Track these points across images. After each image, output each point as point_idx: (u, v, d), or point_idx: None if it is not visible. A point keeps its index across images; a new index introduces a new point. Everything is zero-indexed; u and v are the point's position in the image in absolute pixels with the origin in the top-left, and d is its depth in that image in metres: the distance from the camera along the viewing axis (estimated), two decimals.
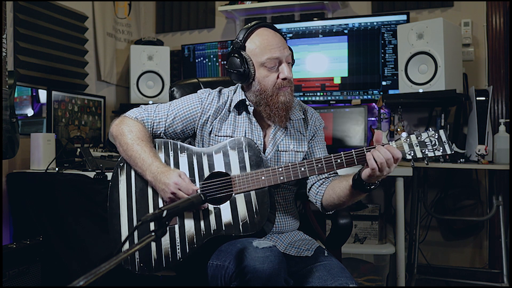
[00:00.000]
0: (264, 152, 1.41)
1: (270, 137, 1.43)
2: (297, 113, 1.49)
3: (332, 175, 1.46)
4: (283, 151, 1.43)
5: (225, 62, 3.17)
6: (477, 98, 2.38)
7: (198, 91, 1.50)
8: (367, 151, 1.20)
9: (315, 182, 1.45)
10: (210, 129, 1.43)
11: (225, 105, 1.45)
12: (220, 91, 1.49)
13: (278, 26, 3.05)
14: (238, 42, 1.37)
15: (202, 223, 1.27)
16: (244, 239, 1.22)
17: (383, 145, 1.19)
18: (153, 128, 1.44)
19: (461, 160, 2.36)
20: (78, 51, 2.88)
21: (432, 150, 1.21)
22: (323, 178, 1.45)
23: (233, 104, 1.43)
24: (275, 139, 1.43)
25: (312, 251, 1.36)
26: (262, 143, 1.42)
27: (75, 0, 2.85)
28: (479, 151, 2.26)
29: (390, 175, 2.22)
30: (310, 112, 1.54)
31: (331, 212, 1.46)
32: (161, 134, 1.45)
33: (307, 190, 1.48)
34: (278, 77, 1.36)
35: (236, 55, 1.36)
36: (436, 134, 1.21)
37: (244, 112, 1.44)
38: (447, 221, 2.80)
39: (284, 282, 1.13)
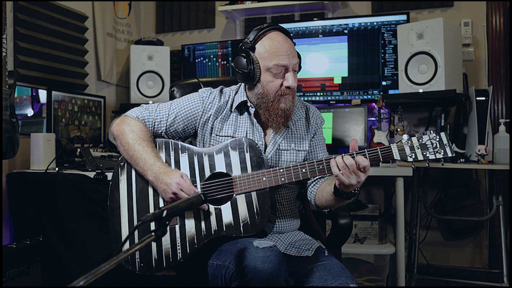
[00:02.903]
0: (264, 151, 1.41)
1: (271, 137, 1.43)
2: (299, 112, 1.49)
3: (327, 175, 1.46)
4: (284, 150, 1.43)
5: (225, 62, 3.17)
6: (477, 98, 2.38)
7: (199, 90, 1.49)
8: (351, 156, 1.20)
9: (311, 182, 1.47)
10: (211, 129, 1.43)
11: (226, 104, 1.45)
12: (221, 91, 1.49)
13: None
14: (248, 43, 1.36)
15: (203, 223, 1.27)
16: (245, 239, 1.22)
17: (354, 154, 1.20)
18: (154, 128, 1.44)
19: (461, 160, 2.36)
20: (78, 51, 2.88)
21: (433, 153, 1.21)
22: (317, 178, 1.45)
23: (234, 105, 1.43)
24: (276, 138, 1.43)
25: (313, 251, 1.36)
26: (263, 143, 1.42)
27: (75, 0, 2.85)
28: (479, 151, 2.26)
29: (390, 175, 2.24)
30: (312, 110, 1.54)
31: (326, 211, 1.49)
32: (162, 133, 1.45)
33: (306, 187, 1.51)
34: (282, 84, 1.35)
35: (244, 55, 1.35)
36: (438, 137, 1.21)
37: (245, 113, 1.44)
38: (447, 221, 2.80)
39: (285, 282, 1.13)
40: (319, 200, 1.42)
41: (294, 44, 1.41)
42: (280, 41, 1.34)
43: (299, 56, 1.40)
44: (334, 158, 1.21)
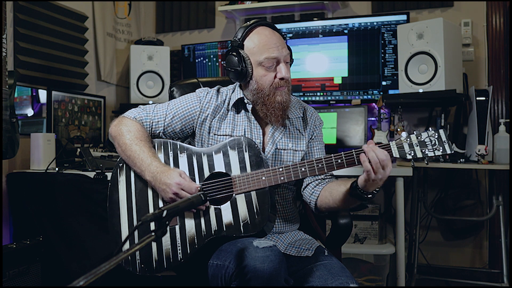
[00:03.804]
0: (263, 151, 1.41)
1: (269, 136, 1.43)
2: (296, 111, 1.48)
3: (328, 177, 1.45)
4: (282, 149, 1.43)
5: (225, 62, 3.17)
6: (477, 98, 2.38)
7: (197, 90, 1.49)
8: (363, 152, 1.19)
9: (311, 182, 1.45)
10: (209, 128, 1.43)
11: (223, 103, 1.45)
12: (218, 90, 1.49)
13: (278, 26, 3.05)
14: (237, 41, 1.37)
15: (203, 223, 1.27)
16: (245, 238, 1.22)
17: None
18: (151, 128, 1.44)
19: (461, 160, 2.36)
20: (78, 51, 2.88)
21: (432, 150, 1.21)
22: (319, 179, 1.44)
23: (231, 103, 1.43)
24: (274, 137, 1.43)
25: (313, 251, 1.36)
26: (262, 141, 1.42)
27: (75, 0, 2.85)
28: (479, 151, 2.26)
29: (390, 175, 2.24)
30: (310, 111, 1.53)
31: (323, 214, 1.46)
32: (160, 133, 1.45)
33: (302, 189, 1.48)
34: (275, 76, 1.35)
35: (234, 53, 1.36)
36: (436, 134, 1.21)
37: (243, 111, 1.44)
38: (447, 221, 2.80)
39: (284, 281, 1.13)
40: (324, 200, 1.39)
41: (284, 38, 1.41)
42: (267, 35, 1.36)
43: (289, 49, 1.40)
44: (365, 153, 1.18)
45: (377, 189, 1.23)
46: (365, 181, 1.19)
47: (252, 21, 1.39)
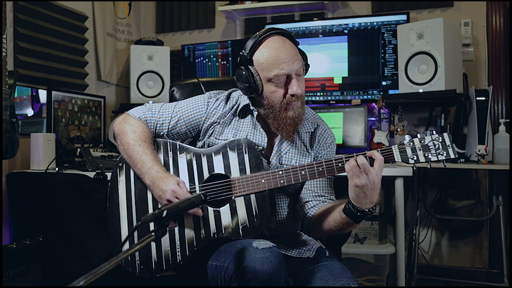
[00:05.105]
0: (268, 163, 1.37)
1: (275, 149, 1.38)
2: (308, 126, 1.43)
3: (327, 200, 1.39)
4: (285, 165, 1.38)
5: (225, 62, 3.17)
6: (477, 98, 2.38)
7: (207, 93, 1.46)
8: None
9: (309, 201, 1.39)
10: (211, 133, 1.41)
11: (231, 109, 1.42)
12: (229, 95, 1.45)
13: (278, 26, 3.05)
14: (245, 55, 1.31)
15: (202, 226, 1.27)
16: (244, 240, 1.22)
17: (354, 155, 1.16)
18: (156, 129, 1.42)
19: (461, 160, 2.36)
20: (78, 51, 2.88)
21: (435, 155, 1.17)
22: (317, 200, 1.39)
23: (238, 108, 1.40)
24: (281, 149, 1.39)
25: (314, 252, 1.35)
26: (264, 148, 1.38)
27: (75, 0, 2.85)
28: (479, 151, 2.26)
29: (390, 175, 2.24)
30: (322, 129, 1.46)
31: (314, 236, 1.42)
32: (164, 135, 1.44)
33: (298, 207, 1.42)
34: (286, 92, 1.30)
35: (243, 67, 1.31)
36: (440, 138, 1.17)
37: (249, 116, 1.41)
38: (447, 221, 2.80)
39: (284, 282, 1.13)
40: (317, 221, 1.33)
41: (297, 44, 1.36)
42: (277, 48, 1.29)
43: (303, 54, 1.36)
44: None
45: (371, 209, 1.18)
46: (352, 189, 1.15)
47: (261, 32, 1.32)
